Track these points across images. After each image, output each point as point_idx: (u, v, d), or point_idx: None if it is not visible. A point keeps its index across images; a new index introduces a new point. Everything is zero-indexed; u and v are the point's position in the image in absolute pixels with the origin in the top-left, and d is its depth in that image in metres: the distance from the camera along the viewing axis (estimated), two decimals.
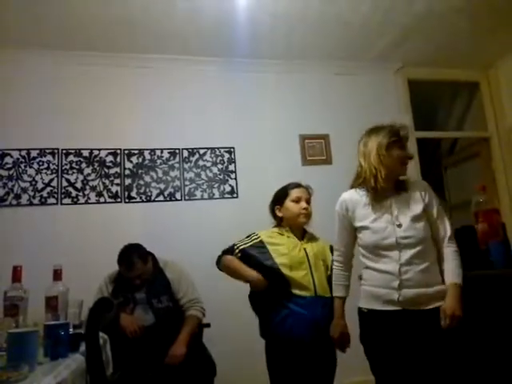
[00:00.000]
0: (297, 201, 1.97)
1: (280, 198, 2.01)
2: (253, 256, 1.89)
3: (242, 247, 1.93)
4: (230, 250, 1.97)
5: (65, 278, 1.89)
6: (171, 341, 2.43)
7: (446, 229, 1.67)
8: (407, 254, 1.59)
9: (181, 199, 3.29)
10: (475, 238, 1.94)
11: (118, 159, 3.25)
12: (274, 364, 1.85)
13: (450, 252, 1.63)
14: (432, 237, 1.66)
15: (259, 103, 3.57)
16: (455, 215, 4.09)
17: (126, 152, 3.27)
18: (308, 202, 1.98)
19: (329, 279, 1.85)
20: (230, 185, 3.40)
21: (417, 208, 1.65)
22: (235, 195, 3.38)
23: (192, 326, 2.54)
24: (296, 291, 1.81)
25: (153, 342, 2.42)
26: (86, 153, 3.20)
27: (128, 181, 3.24)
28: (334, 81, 3.73)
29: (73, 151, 3.17)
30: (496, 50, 3.84)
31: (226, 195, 3.38)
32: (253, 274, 1.86)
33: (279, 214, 1.99)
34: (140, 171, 3.27)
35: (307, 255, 1.88)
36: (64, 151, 3.16)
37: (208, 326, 2.74)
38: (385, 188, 1.67)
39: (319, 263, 1.88)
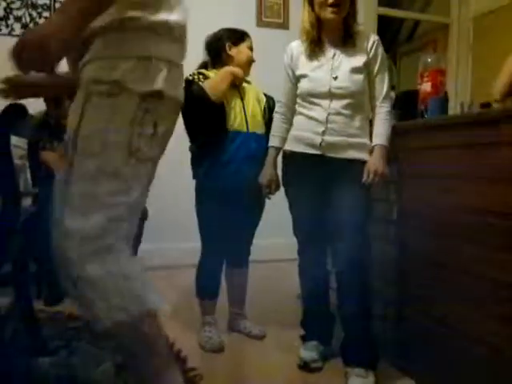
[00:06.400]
0: (251, 50, 1.89)
1: (237, 37, 1.88)
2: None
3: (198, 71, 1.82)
4: (193, 83, 1.74)
5: None
6: None
7: (384, 87, 1.65)
8: (337, 103, 1.59)
9: None
10: (416, 100, 1.93)
11: None
12: (203, 204, 1.87)
13: (381, 112, 1.64)
14: (369, 94, 1.66)
15: None
16: None
17: None
18: None
19: (265, 122, 1.85)
20: None
21: (359, 60, 1.62)
22: None
23: None
24: (231, 125, 1.77)
25: None
26: None
27: None
28: None
29: None
30: None
31: None
32: (230, 70, 1.78)
33: (231, 53, 1.85)
34: None
35: (240, 93, 1.84)
36: None
37: None
38: (327, 39, 1.64)
39: (253, 101, 1.86)
